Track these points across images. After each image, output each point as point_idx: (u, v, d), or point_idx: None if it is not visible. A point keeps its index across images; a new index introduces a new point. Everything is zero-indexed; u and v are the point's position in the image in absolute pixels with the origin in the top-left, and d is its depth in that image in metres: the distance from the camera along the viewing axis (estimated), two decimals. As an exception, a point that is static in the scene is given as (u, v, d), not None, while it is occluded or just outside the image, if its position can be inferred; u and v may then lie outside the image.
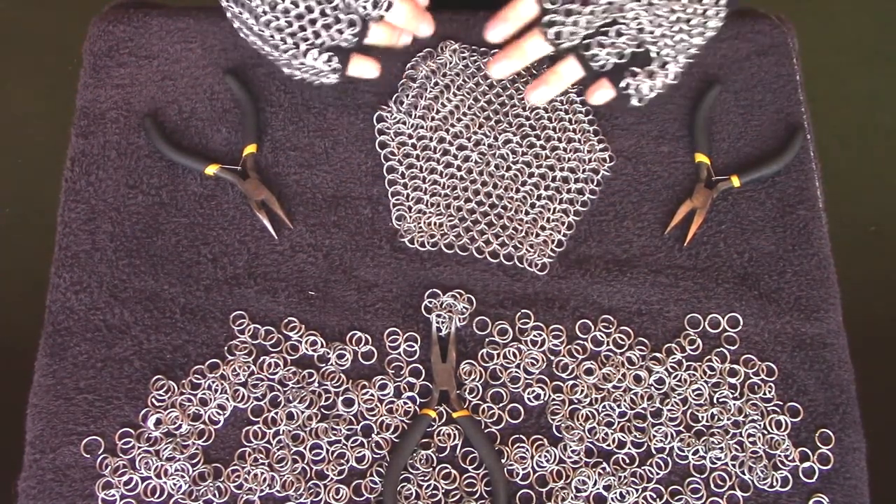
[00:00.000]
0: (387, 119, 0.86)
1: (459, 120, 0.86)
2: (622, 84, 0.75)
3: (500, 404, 0.77)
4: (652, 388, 0.77)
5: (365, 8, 0.74)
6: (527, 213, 0.83)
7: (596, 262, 0.81)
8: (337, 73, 0.77)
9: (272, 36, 0.75)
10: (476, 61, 0.89)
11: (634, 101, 0.76)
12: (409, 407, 0.76)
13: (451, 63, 0.88)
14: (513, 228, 0.82)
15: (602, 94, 0.77)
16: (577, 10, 0.73)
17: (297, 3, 0.74)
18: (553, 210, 0.83)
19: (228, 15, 0.79)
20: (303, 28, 0.75)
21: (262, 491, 0.73)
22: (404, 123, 0.85)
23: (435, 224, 0.82)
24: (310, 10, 0.74)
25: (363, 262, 0.81)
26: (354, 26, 0.75)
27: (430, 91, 0.86)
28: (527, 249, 0.81)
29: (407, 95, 0.86)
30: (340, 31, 0.75)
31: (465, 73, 0.88)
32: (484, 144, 0.85)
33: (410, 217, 0.82)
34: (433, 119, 0.86)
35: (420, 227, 0.82)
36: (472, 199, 0.83)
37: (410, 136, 0.85)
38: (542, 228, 0.82)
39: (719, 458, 0.75)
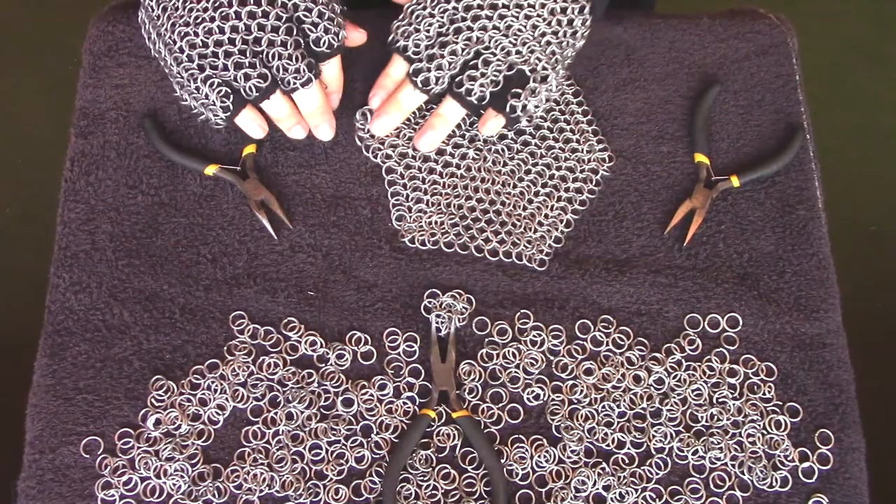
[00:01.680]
0: (362, 131, 0.85)
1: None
2: (507, 109, 0.77)
3: (500, 404, 0.77)
4: (651, 388, 0.77)
5: (282, 70, 0.74)
6: (524, 209, 0.83)
7: (595, 262, 0.81)
8: (226, 113, 0.76)
9: (181, 49, 0.73)
10: None
11: (524, 122, 0.78)
12: (409, 407, 0.76)
13: None
14: (511, 224, 0.82)
15: (492, 124, 0.79)
16: (439, 54, 0.75)
17: (223, 30, 0.72)
18: (551, 207, 0.83)
19: (141, 13, 0.78)
20: (215, 55, 0.73)
21: (261, 491, 0.73)
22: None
23: (435, 223, 0.82)
24: (231, 42, 0.73)
25: (363, 262, 0.81)
26: (264, 81, 0.74)
27: None
28: (524, 246, 0.81)
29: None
30: (248, 77, 0.73)
31: None
32: (479, 140, 0.85)
33: (410, 217, 0.82)
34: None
35: (420, 227, 0.82)
36: (472, 197, 0.83)
37: (398, 137, 0.85)
38: (540, 224, 0.82)
39: (719, 459, 0.75)
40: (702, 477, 0.74)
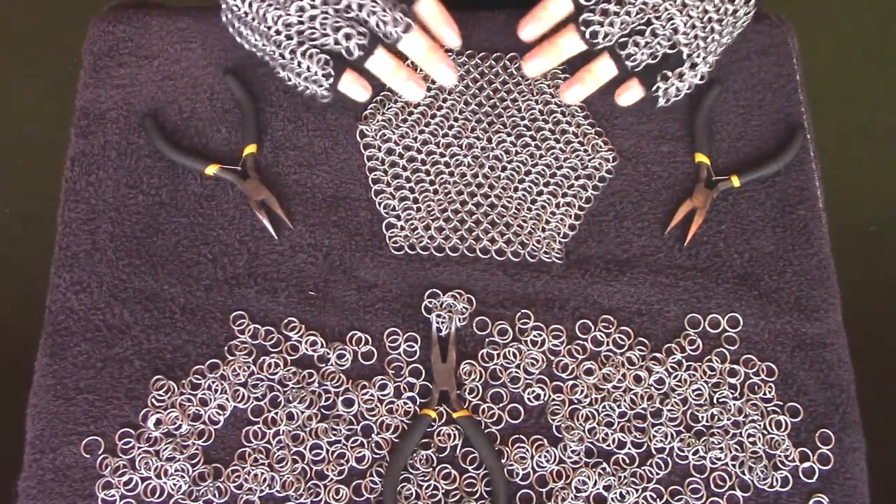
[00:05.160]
0: (368, 134, 0.86)
1: (451, 127, 0.86)
2: (653, 87, 0.77)
3: (500, 404, 0.77)
4: (652, 388, 0.77)
5: (381, 24, 0.73)
6: (529, 210, 0.83)
7: (596, 263, 0.81)
8: (328, 79, 0.75)
9: (278, 31, 0.74)
10: (465, 64, 0.88)
11: (662, 102, 0.78)
12: (409, 407, 0.76)
13: None
14: (517, 226, 0.82)
15: (631, 94, 0.78)
16: (614, 11, 0.73)
17: (314, 5, 0.73)
18: (557, 204, 0.83)
19: (226, 14, 0.79)
20: (312, 27, 0.73)
21: (262, 491, 0.73)
22: (388, 130, 0.85)
23: (436, 230, 0.82)
24: (325, 12, 0.73)
25: (363, 262, 0.81)
26: (364, 38, 0.73)
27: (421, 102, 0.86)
28: (533, 246, 0.81)
29: (385, 108, 0.86)
30: (349, 37, 0.73)
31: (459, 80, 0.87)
32: (477, 147, 0.85)
33: (406, 226, 0.82)
34: (427, 125, 0.86)
35: (408, 235, 0.82)
36: (469, 202, 0.83)
37: (397, 144, 0.85)
38: (547, 223, 0.82)
39: (719, 459, 0.75)
40: (702, 477, 0.74)
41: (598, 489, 0.73)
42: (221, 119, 0.86)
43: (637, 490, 0.73)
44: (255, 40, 0.77)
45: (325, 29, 0.73)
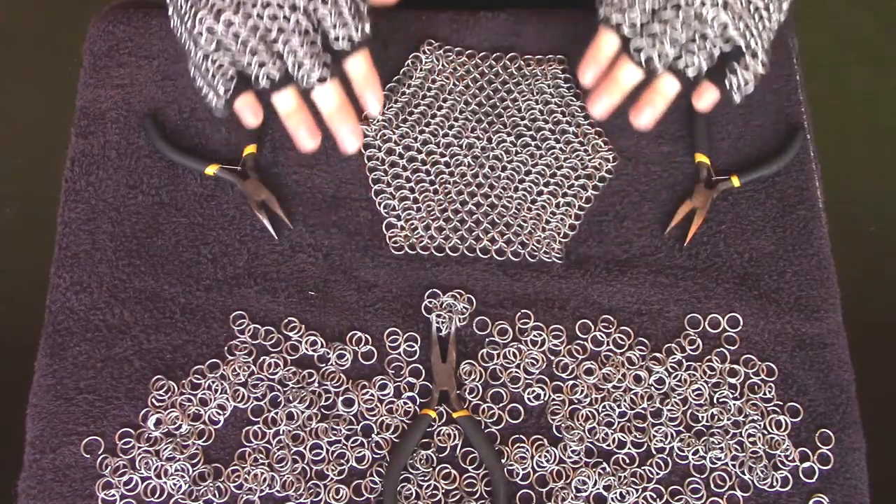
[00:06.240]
0: (368, 134, 0.86)
1: (451, 126, 0.86)
2: (725, 83, 0.75)
3: (500, 404, 0.77)
4: (652, 388, 0.77)
5: (298, 67, 0.70)
6: (529, 210, 0.83)
7: (596, 263, 0.81)
8: (227, 94, 0.71)
9: (200, 33, 0.70)
10: (465, 64, 0.89)
11: (737, 98, 0.75)
12: (409, 407, 0.76)
13: (438, 67, 0.88)
14: (517, 226, 0.82)
15: (708, 96, 0.76)
16: (660, 31, 0.72)
17: (243, 25, 0.69)
18: (557, 204, 0.83)
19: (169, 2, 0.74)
20: (232, 42, 0.70)
21: (262, 491, 0.73)
22: (388, 130, 0.85)
23: (436, 229, 0.82)
24: (251, 35, 0.70)
25: (363, 262, 0.81)
26: (276, 72, 0.70)
27: (418, 100, 0.86)
28: (533, 246, 0.81)
29: (385, 107, 0.86)
30: (262, 65, 0.70)
31: (454, 77, 0.88)
32: (477, 147, 0.85)
33: (406, 226, 0.82)
34: (428, 125, 0.86)
35: (408, 234, 0.82)
36: (469, 202, 0.83)
37: (397, 144, 0.85)
38: (547, 223, 0.82)
39: (719, 458, 0.75)
40: (702, 477, 0.74)
41: (598, 489, 0.73)
42: (221, 119, 0.86)
43: (637, 490, 0.73)
44: (181, 32, 0.73)
45: (243, 49, 0.70)
